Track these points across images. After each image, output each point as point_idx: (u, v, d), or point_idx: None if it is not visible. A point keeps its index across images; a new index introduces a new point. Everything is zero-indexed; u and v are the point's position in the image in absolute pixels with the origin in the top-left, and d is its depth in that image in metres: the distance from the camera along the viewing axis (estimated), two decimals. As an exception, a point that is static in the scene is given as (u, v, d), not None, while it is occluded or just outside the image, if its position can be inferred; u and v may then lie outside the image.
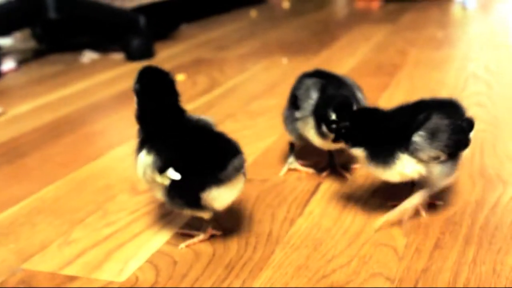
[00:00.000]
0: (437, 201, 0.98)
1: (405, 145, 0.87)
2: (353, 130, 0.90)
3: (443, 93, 1.65)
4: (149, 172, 0.85)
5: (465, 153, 0.93)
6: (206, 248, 0.89)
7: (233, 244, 0.90)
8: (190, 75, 2.04)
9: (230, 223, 0.96)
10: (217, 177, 0.82)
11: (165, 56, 2.42)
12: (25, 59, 2.53)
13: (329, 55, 2.25)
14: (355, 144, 0.91)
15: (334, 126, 0.97)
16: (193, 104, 1.69)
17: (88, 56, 2.48)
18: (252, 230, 0.94)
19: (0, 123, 1.66)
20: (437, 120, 0.87)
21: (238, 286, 0.79)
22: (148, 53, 2.39)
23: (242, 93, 1.78)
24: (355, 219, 0.96)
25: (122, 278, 0.83)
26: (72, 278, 0.84)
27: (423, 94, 1.61)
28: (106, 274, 0.85)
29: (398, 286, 0.77)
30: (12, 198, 1.12)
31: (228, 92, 1.80)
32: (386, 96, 1.65)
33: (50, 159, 1.36)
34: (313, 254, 0.86)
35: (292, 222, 0.95)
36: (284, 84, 1.86)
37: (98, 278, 0.84)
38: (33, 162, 1.34)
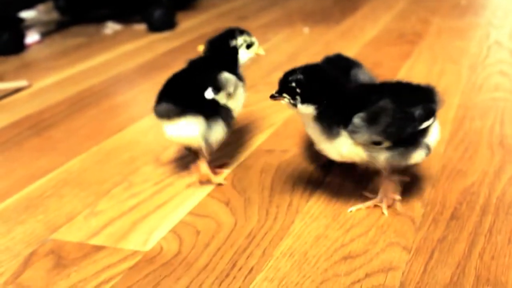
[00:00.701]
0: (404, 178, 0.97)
1: (347, 123, 0.83)
2: (306, 83, 0.84)
3: (464, 62, 1.65)
4: None
5: (433, 141, 0.89)
6: (228, 219, 0.92)
7: (254, 215, 0.93)
8: (211, 46, 2.05)
9: (251, 193, 0.99)
10: None
11: (186, 27, 2.43)
12: (49, 31, 2.56)
13: (350, 24, 2.24)
14: (306, 100, 0.84)
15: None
16: (215, 75, 1.70)
17: (111, 27, 2.50)
18: (273, 200, 0.96)
19: (25, 96, 1.69)
20: (383, 104, 0.83)
21: (259, 255, 0.82)
22: (170, 24, 2.40)
23: (263, 63, 1.79)
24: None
25: (147, 248, 0.86)
26: (99, 248, 0.87)
27: (445, 63, 1.63)
28: (131, 244, 0.88)
29: (414, 255, 0.79)
30: (40, 171, 1.16)
31: (250, 62, 1.80)
32: (408, 65, 1.65)
33: (75, 131, 1.39)
34: (332, 224, 0.88)
35: (311, 192, 0.97)
36: (305, 53, 1.87)
37: (124, 247, 0.87)
38: (59, 134, 1.37)
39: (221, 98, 0.97)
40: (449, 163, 1.04)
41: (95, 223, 0.94)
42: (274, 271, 0.78)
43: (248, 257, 0.82)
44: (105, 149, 1.26)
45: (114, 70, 1.91)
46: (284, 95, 0.85)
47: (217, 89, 0.97)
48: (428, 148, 0.88)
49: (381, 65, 1.66)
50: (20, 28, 2.28)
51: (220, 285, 0.76)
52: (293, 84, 0.84)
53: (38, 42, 2.36)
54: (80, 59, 2.07)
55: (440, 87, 1.41)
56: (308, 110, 0.84)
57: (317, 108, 0.84)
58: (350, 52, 1.82)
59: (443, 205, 0.91)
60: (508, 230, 0.83)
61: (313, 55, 1.83)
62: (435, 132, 0.89)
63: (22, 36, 2.28)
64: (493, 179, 0.98)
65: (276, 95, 0.86)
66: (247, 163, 1.10)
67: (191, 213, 0.95)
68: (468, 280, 0.73)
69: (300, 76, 0.84)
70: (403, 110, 0.83)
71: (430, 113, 0.86)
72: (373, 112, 0.82)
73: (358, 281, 0.75)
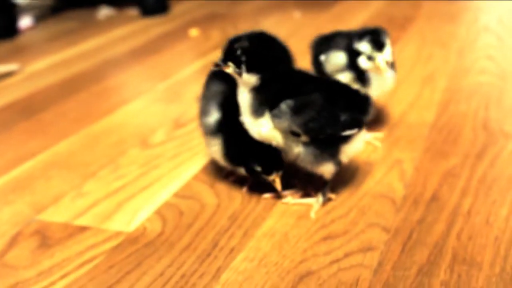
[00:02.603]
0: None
1: (274, 105, 0.81)
2: (252, 51, 0.80)
3: (453, 46, 1.66)
4: None
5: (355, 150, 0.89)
6: (212, 200, 0.93)
7: (238, 196, 0.94)
8: (204, 30, 2.06)
9: (235, 175, 1.00)
10: None
11: (179, 11, 2.43)
12: (42, 15, 2.55)
13: (342, 8, 2.24)
14: (251, 69, 0.80)
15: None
16: (206, 58, 1.71)
17: (104, 12, 2.50)
18: (256, 182, 0.97)
19: (16, 80, 1.70)
20: (314, 98, 0.82)
21: (241, 235, 0.83)
22: (162, 8, 2.40)
23: (254, 48, 1.79)
24: (356, 171, 0.98)
25: (130, 228, 0.87)
26: (83, 228, 0.88)
27: (433, 47, 1.64)
28: (116, 225, 0.89)
29: (393, 236, 0.80)
30: (29, 153, 1.17)
31: (240, 47, 1.81)
32: (397, 49, 1.65)
33: (65, 114, 1.39)
34: (314, 206, 0.89)
35: (296, 174, 0.98)
36: (295, 38, 1.87)
37: (108, 228, 0.88)
38: (49, 117, 1.38)
39: None
40: (433, 145, 1.06)
41: (81, 204, 0.96)
42: (255, 251, 0.79)
43: (230, 237, 0.83)
44: (94, 131, 1.27)
45: (106, 54, 1.91)
46: (229, 63, 0.80)
47: None
48: (339, 164, 0.87)
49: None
50: (13, 12, 2.28)
51: (201, 264, 0.77)
52: (238, 52, 0.79)
53: (31, 27, 2.36)
54: (72, 43, 2.07)
55: (428, 71, 1.44)
56: (252, 80, 0.81)
57: (260, 79, 0.80)
58: (340, 36, 1.83)
59: (424, 187, 0.92)
60: (486, 211, 0.85)
61: (304, 39, 1.82)
62: (358, 143, 0.88)
63: (15, 21, 2.28)
64: (474, 161, 0.99)
65: (221, 63, 0.81)
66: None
67: (175, 194, 0.96)
68: (444, 260, 0.75)
69: (245, 43, 0.80)
70: (331, 110, 0.82)
71: (355, 123, 0.84)
72: (301, 102, 0.81)
73: (337, 260, 0.76)
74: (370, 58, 1.01)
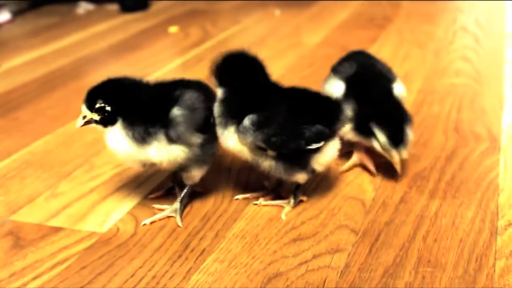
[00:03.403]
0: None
1: (239, 118, 0.83)
2: (220, 68, 0.86)
3: (430, 47, 1.68)
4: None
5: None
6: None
7: (211, 197, 0.95)
8: (183, 27, 2.06)
9: (209, 176, 1.01)
10: None
11: (159, 7, 2.43)
12: (20, 10, 2.54)
13: (322, 7, 2.25)
14: (219, 84, 0.86)
15: None
16: (184, 57, 1.72)
17: (84, 7, 2.49)
18: (230, 183, 0.98)
19: (-6, 76, 1.69)
20: (277, 111, 0.83)
21: (212, 237, 0.84)
22: (142, 4, 2.40)
23: (233, 45, 1.78)
24: (328, 173, 1.00)
25: (103, 229, 0.88)
26: (57, 229, 0.89)
27: (411, 47, 1.66)
28: (89, 226, 0.90)
29: (361, 238, 0.82)
30: (3, 152, 1.17)
31: (219, 45, 1.82)
32: (374, 49, 1.67)
33: (42, 113, 1.39)
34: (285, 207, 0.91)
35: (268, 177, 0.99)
36: (274, 36, 1.88)
37: (81, 229, 0.89)
38: (25, 115, 1.38)
39: None
40: (404, 147, 1.07)
41: (55, 205, 0.96)
42: (225, 253, 0.81)
43: (201, 239, 0.84)
44: (70, 130, 1.27)
45: (85, 50, 1.91)
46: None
47: None
48: (312, 172, 0.88)
49: (348, 49, 1.67)
50: (-9, 7, 2.27)
51: (172, 265, 0.78)
52: (214, 69, 0.86)
53: (10, 22, 2.35)
54: (51, 39, 2.06)
55: (403, 71, 1.45)
56: (219, 93, 0.86)
57: (226, 92, 0.85)
58: (319, 35, 1.85)
59: (394, 189, 0.94)
60: (453, 213, 0.87)
61: (282, 38, 1.85)
62: (330, 152, 0.88)
63: (-7, 15, 2.27)
64: (444, 164, 1.01)
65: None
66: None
67: (149, 195, 0.97)
68: (410, 262, 0.77)
69: (219, 61, 0.86)
70: (295, 124, 0.82)
71: (321, 136, 0.84)
72: (264, 117, 0.82)
73: (305, 262, 0.78)
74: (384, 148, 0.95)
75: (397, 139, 0.92)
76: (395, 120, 0.93)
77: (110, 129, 0.85)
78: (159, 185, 0.98)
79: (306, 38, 1.82)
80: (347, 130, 0.95)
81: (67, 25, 2.27)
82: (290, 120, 0.82)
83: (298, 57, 1.64)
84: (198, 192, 0.96)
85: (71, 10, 2.49)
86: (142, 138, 0.82)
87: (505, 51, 1.60)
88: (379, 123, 0.93)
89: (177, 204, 0.90)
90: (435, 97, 1.30)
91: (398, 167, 0.94)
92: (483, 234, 0.82)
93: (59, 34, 2.12)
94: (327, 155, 0.87)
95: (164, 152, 0.83)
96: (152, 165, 0.86)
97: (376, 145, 0.95)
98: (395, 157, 0.93)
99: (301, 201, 0.92)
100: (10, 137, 1.25)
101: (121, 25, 2.19)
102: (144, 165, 0.87)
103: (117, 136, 0.84)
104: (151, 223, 0.88)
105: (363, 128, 0.95)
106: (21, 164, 1.11)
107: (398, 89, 0.98)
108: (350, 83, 0.98)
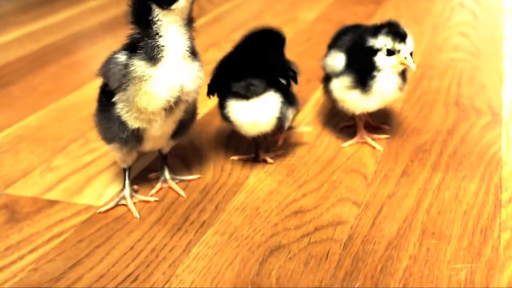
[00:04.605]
0: None
1: None
2: None
3: (427, 22, 1.66)
4: None
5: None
6: (183, 174, 0.92)
7: (209, 170, 0.93)
8: (177, 4, 2.03)
9: (207, 149, 0.99)
10: None
11: (152, -16, 2.39)
12: (11, -14, 2.50)
13: (317, -17, 2.23)
14: None
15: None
16: (179, 33, 1.69)
17: (75, -17, 2.45)
18: (228, 156, 0.97)
19: (-15, 52, 1.66)
20: None
21: (212, 209, 0.83)
22: (135, -19, 2.36)
23: (228, 21, 1.78)
24: (328, 147, 0.98)
25: (100, 202, 0.86)
26: (53, 203, 0.87)
27: (408, 23, 1.63)
28: (85, 199, 0.88)
29: (363, 210, 0.81)
30: (-3, 126, 1.15)
31: (214, 21, 1.79)
32: (371, 25, 1.65)
33: (34, 88, 1.37)
34: (286, 180, 0.89)
35: (267, 150, 0.98)
36: (269, 12, 1.86)
37: (77, 202, 0.87)
38: (18, 91, 1.35)
39: None
40: (405, 121, 1.06)
41: (50, 179, 0.94)
42: (226, 225, 0.79)
43: (201, 211, 0.82)
44: (64, 105, 1.25)
45: (77, 26, 1.88)
46: None
47: None
48: None
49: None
50: (-20, -18, 2.22)
51: (171, 238, 0.77)
52: None
53: (0, -3, 2.31)
54: (42, 14, 2.03)
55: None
56: None
57: None
58: (315, 11, 1.82)
59: (395, 162, 0.93)
60: (456, 186, 0.85)
61: (278, 13, 1.82)
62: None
63: (-17, -9, 2.22)
64: (445, 137, 1.00)
65: None
66: (205, 119, 1.10)
67: (146, 168, 0.95)
68: (413, 234, 0.75)
69: None
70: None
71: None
72: None
73: (307, 234, 0.76)
74: (390, 53, 0.90)
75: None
76: None
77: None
78: (155, 159, 0.96)
79: (302, 14, 1.79)
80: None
81: (58, 1, 2.23)
82: None
83: (295, 33, 1.61)
84: (195, 167, 0.94)
85: (62, -14, 2.45)
86: None
87: (503, 27, 1.59)
88: None
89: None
90: (434, 72, 1.29)
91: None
92: (487, 207, 0.80)
93: (50, 10, 2.08)
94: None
95: None
96: None
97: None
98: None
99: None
100: (3, 112, 1.22)
101: (113, 1, 2.15)
102: None
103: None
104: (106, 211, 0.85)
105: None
106: (14, 139, 1.09)
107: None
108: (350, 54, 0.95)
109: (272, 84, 0.86)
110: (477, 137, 1.00)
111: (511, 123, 1.04)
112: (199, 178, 0.91)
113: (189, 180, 0.90)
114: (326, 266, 0.70)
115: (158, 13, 0.75)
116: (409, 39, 0.91)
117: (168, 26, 0.75)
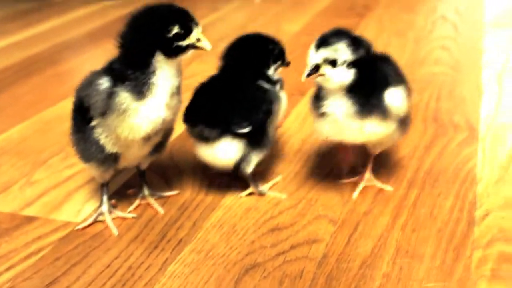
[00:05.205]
0: None
1: None
2: None
3: (410, 36, 1.68)
4: None
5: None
6: (162, 190, 0.93)
7: (188, 186, 0.94)
8: (162, 14, 2.04)
9: (186, 165, 1.00)
10: None
11: (139, -7, 2.40)
12: (-2, -6, 2.50)
13: (303, -6, 2.24)
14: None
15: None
16: (163, 44, 1.70)
17: (62, -8, 2.46)
18: (207, 171, 0.97)
19: (-31, 62, 1.66)
20: None
21: (189, 226, 0.83)
22: (121, -10, 2.37)
23: (211, 34, 1.78)
24: (305, 163, 0.99)
25: (79, 219, 0.87)
26: (31, 219, 0.87)
27: (390, 36, 1.65)
28: (64, 215, 0.88)
29: (339, 228, 0.82)
30: (-22, 139, 1.15)
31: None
32: (354, 38, 1.66)
33: (18, 99, 1.37)
34: (263, 197, 0.90)
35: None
36: (254, 24, 1.87)
37: (56, 218, 0.87)
38: (2, 101, 1.36)
39: None
40: (383, 137, 1.07)
41: (30, 193, 0.95)
42: (202, 243, 0.80)
43: (178, 228, 0.83)
44: (47, 117, 1.25)
45: (63, 36, 1.89)
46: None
47: None
48: None
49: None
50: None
51: (148, 256, 0.78)
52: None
53: (-14, 6, 2.31)
54: (28, 24, 2.03)
55: (383, 61, 1.44)
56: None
57: None
58: (298, 23, 1.84)
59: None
60: (431, 203, 0.87)
61: (262, 26, 1.83)
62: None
63: (-32, -1, 2.23)
64: (423, 153, 1.01)
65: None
66: (185, 134, 1.10)
67: (125, 184, 0.95)
68: (388, 252, 0.76)
69: None
70: None
71: None
72: None
73: (283, 252, 0.77)
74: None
75: None
76: None
77: None
78: (134, 175, 0.97)
79: (286, 26, 1.81)
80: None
81: (45, 10, 2.24)
82: None
83: (278, 45, 1.62)
84: (174, 183, 0.95)
85: (48, -5, 2.46)
86: None
87: (483, 40, 1.60)
88: None
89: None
90: (415, 86, 1.27)
91: None
92: (461, 224, 0.82)
93: (36, 19, 2.09)
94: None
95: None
96: None
97: None
98: None
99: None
100: (-14, 124, 1.23)
101: (99, 12, 2.16)
102: None
103: None
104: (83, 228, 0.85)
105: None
106: (-4, 152, 1.10)
107: None
108: None
109: (229, 130, 0.85)
110: (454, 153, 1.01)
111: (487, 139, 1.05)
112: (177, 194, 0.92)
113: (168, 196, 0.91)
114: (300, 285, 0.71)
115: (160, 59, 0.75)
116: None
117: (165, 68, 0.76)
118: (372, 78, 0.80)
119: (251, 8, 2.09)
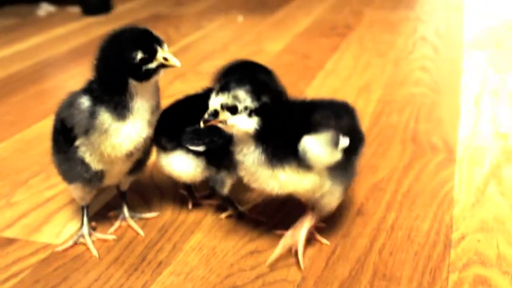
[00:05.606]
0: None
1: None
2: None
3: (390, 56, 1.70)
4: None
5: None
6: (142, 212, 0.93)
7: (168, 207, 0.95)
8: (145, 32, 2.04)
9: (166, 186, 1.00)
10: None
11: (122, 11, 2.41)
12: (-20, 10, 2.50)
13: (284, 13, 2.26)
14: None
15: None
16: (146, 62, 1.70)
17: (44, 8, 2.46)
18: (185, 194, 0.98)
19: (-50, 79, 1.66)
20: None
21: (169, 249, 0.84)
22: (105, 8, 2.37)
23: (195, 52, 1.80)
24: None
25: (59, 241, 0.87)
26: (11, 241, 0.87)
27: (371, 57, 1.67)
28: (44, 237, 0.88)
29: (317, 251, 0.82)
30: (-42, 159, 1.15)
31: (180, 51, 1.81)
32: (335, 58, 1.69)
33: (-1, 118, 1.37)
34: (243, 219, 0.91)
35: (227, 186, 0.99)
36: (236, 43, 1.88)
37: (36, 240, 0.87)
38: (-18, 121, 1.36)
39: None
40: (362, 159, 1.08)
41: (10, 215, 0.95)
42: (182, 265, 0.80)
43: (158, 251, 0.84)
44: (27, 137, 1.25)
45: (44, 54, 1.89)
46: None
47: None
48: None
49: (310, 57, 1.70)
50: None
51: (128, 278, 0.78)
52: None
53: (-32, 22, 2.30)
54: (10, 41, 2.03)
55: (364, 81, 1.47)
56: None
57: None
58: (281, 43, 1.85)
59: (351, 201, 0.95)
60: (408, 226, 0.88)
61: (245, 45, 1.85)
62: None
63: (-50, 15, 2.22)
64: (401, 175, 1.02)
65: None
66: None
67: (106, 205, 0.96)
68: (365, 275, 0.77)
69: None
70: None
71: None
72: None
73: (262, 275, 0.78)
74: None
75: None
76: None
77: None
78: (115, 196, 0.97)
79: (268, 45, 1.82)
80: None
81: (27, 27, 2.24)
82: None
83: (260, 65, 1.64)
84: (154, 204, 0.95)
85: (32, 11, 2.46)
86: None
87: (462, 61, 1.63)
88: None
89: None
90: (394, 107, 1.32)
91: None
92: (438, 247, 0.83)
93: (18, 36, 2.09)
94: None
95: None
96: None
97: None
98: None
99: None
100: (-35, 144, 1.23)
101: (82, 29, 2.17)
102: None
103: None
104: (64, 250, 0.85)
105: None
106: (-25, 172, 1.09)
107: None
108: None
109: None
110: (432, 174, 1.02)
111: (464, 161, 1.07)
112: (157, 216, 0.92)
113: (148, 218, 0.91)
114: (279, 308, 0.72)
115: (134, 84, 0.77)
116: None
117: (142, 91, 0.78)
118: (286, 126, 0.74)
119: (234, 27, 2.10)
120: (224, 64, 0.87)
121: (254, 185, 0.79)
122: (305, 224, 0.82)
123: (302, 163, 0.74)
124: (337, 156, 0.76)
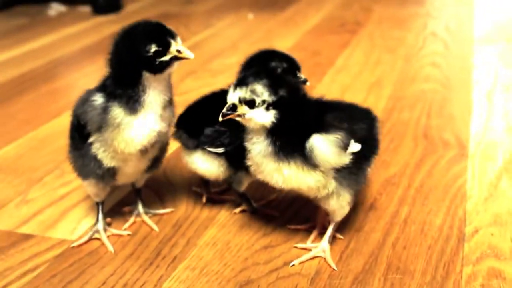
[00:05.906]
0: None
1: None
2: None
3: (400, 52, 1.70)
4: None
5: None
6: (156, 208, 0.94)
7: (182, 203, 0.95)
8: (156, 30, 2.05)
9: (180, 182, 1.01)
10: None
11: (132, 10, 2.42)
12: (-9, 10, 2.51)
13: (294, 11, 2.27)
14: None
15: None
16: (157, 61, 1.71)
17: (55, 8, 2.47)
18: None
19: (-37, 78, 1.67)
20: None
21: (183, 244, 0.84)
22: (115, 7, 2.38)
23: (205, 50, 1.81)
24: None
25: (74, 236, 0.88)
26: (27, 237, 0.88)
27: (381, 53, 1.67)
28: (60, 233, 0.89)
29: (331, 245, 0.83)
30: (-27, 157, 1.16)
31: (191, 49, 1.79)
32: (346, 54, 1.69)
33: (13, 116, 1.38)
34: (256, 214, 0.91)
35: (240, 182, 1.00)
36: (246, 41, 1.89)
37: (52, 236, 0.88)
38: (-3, 119, 1.37)
39: None
40: (374, 154, 1.08)
41: (26, 211, 0.96)
42: (197, 260, 0.81)
43: (173, 246, 0.84)
44: (41, 135, 1.26)
45: (56, 53, 1.90)
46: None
47: None
48: None
49: (320, 54, 1.70)
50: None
51: (143, 273, 0.79)
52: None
53: (-20, 22, 2.32)
54: (22, 40, 2.04)
55: (375, 77, 1.47)
56: None
57: None
58: (291, 40, 1.86)
59: (363, 196, 0.95)
60: (421, 220, 0.88)
61: (255, 42, 1.85)
62: None
63: (-38, 16, 2.24)
64: (413, 170, 1.03)
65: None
66: (180, 152, 1.12)
67: (120, 201, 0.97)
68: (379, 269, 0.78)
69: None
70: None
71: None
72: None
73: (276, 269, 0.78)
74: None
75: None
76: None
77: None
78: (129, 193, 0.98)
79: (278, 42, 1.82)
80: None
81: (38, 26, 2.25)
82: None
83: (271, 62, 1.64)
84: (168, 200, 0.96)
85: (42, 11, 2.47)
86: None
87: (473, 56, 1.63)
88: None
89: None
90: (405, 103, 1.32)
91: None
92: (451, 241, 0.83)
93: (29, 36, 2.10)
94: None
95: None
96: None
97: None
98: None
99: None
100: (-20, 142, 1.24)
101: (93, 28, 2.18)
102: None
103: None
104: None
105: None
106: (-9, 170, 1.11)
107: None
108: None
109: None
110: (444, 170, 1.03)
111: (477, 156, 1.07)
112: (171, 212, 0.93)
113: (162, 214, 0.92)
114: (293, 301, 0.72)
115: (148, 76, 0.77)
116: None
117: (155, 84, 0.78)
118: (298, 122, 0.75)
119: (244, 24, 2.11)
120: (248, 55, 0.87)
121: (259, 176, 0.79)
122: (328, 233, 0.82)
123: (308, 160, 0.75)
124: (345, 159, 0.76)
